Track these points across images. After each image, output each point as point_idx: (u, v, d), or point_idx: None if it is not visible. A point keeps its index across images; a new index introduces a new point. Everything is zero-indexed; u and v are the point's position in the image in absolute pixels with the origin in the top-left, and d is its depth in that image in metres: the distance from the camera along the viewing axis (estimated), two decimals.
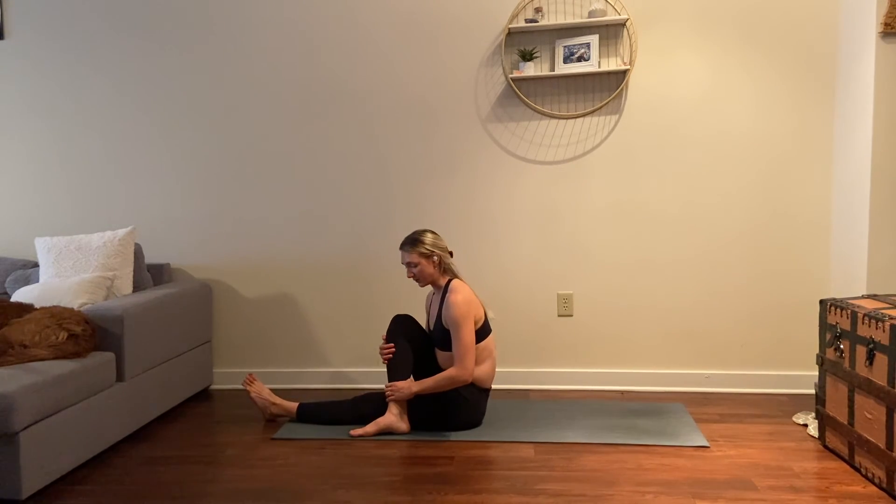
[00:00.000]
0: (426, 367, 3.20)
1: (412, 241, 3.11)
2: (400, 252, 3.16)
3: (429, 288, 3.37)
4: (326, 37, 3.75)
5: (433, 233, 3.17)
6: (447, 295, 3.06)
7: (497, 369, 3.68)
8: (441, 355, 3.16)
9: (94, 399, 2.83)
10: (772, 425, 3.11)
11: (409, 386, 3.05)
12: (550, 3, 3.59)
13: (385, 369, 3.18)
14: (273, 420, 3.30)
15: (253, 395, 3.29)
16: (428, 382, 3.03)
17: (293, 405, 3.25)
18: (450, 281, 3.13)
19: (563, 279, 3.70)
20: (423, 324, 3.34)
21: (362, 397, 3.22)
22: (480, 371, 3.09)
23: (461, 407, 3.07)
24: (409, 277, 3.17)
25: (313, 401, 3.29)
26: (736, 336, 3.61)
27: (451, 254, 3.20)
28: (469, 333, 3.00)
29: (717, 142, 3.55)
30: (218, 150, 3.87)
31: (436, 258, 3.10)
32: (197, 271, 3.93)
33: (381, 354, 3.14)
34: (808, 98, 3.48)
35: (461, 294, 3.03)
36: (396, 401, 3.06)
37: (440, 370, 3.13)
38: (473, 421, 3.12)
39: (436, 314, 3.14)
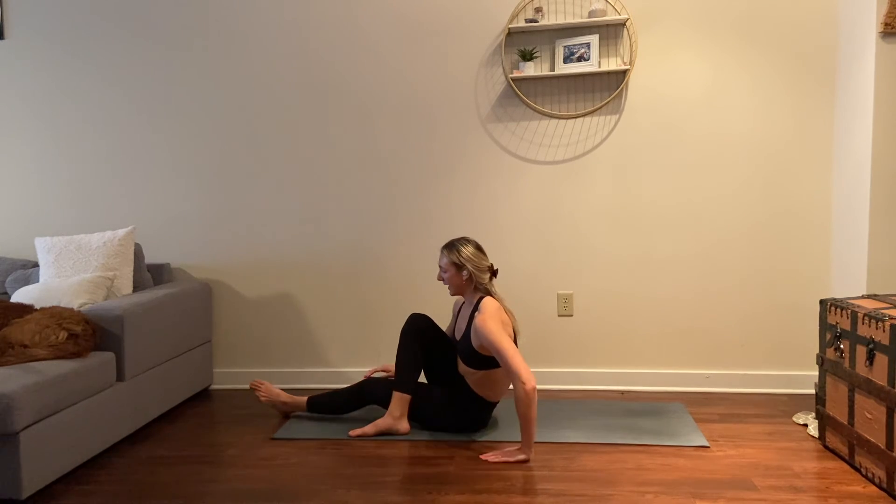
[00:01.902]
0: (442, 369, 3.12)
1: (449, 246, 3.02)
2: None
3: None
4: (326, 36, 3.75)
5: (477, 247, 3.03)
6: (476, 315, 2.92)
7: None
8: (467, 372, 3.03)
9: (94, 399, 2.83)
10: (772, 425, 3.11)
11: (522, 455, 2.77)
12: (550, 3, 3.59)
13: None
14: (288, 417, 3.33)
15: (263, 399, 3.30)
16: (523, 431, 2.76)
17: (302, 399, 3.27)
18: (481, 298, 2.98)
19: (563, 279, 3.70)
20: (446, 326, 3.30)
21: (367, 382, 3.18)
22: (497, 390, 3.02)
23: (466, 415, 3.05)
24: (438, 280, 3.09)
25: (320, 393, 3.31)
26: (736, 336, 3.61)
27: (494, 272, 3.04)
28: (509, 346, 2.78)
29: (717, 142, 3.55)
30: (218, 150, 3.87)
31: (465, 273, 2.98)
32: (197, 271, 3.93)
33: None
34: (808, 98, 3.48)
35: (488, 314, 2.87)
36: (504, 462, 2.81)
37: (457, 373, 3.07)
38: (476, 427, 3.10)
39: (464, 328, 3.03)
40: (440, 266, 3.06)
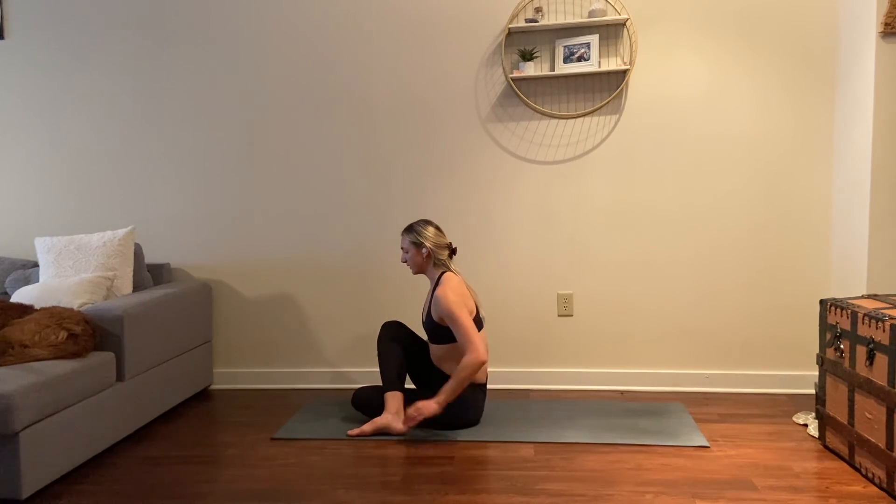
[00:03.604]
0: (422, 369, 3.23)
1: (409, 228, 3.18)
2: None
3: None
4: (327, 36, 3.75)
5: (435, 227, 3.17)
6: (436, 288, 3.07)
7: (497, 369, 3.69)
8: (434, 349, 3.16)
9: (94, 399, 2.83)
10: (772, 425, 3.11)
11: (434, 403, 2.90)
12: (550, 3, 3.59)
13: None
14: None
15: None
16: (448, 385, 2.91)
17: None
18: (442, 274, 3.13)
19: (563, 279, 3.70)
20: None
21: (359, 392, 3.24)
22: None
23: (458, 406, 3.06)
24: (401, 262, 3.27)
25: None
26: (736, 336, 3.61)
27: (453, 250, 3.20)
28: (466, 318, 2.96)
29: (717, 142, 3.55)
30: (218, 150, 3.87)
31: (425, 251, 3.12)
32: (197, 271, 3.93)
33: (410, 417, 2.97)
34: (808, 98, 3.48)
35: (448, 286, 3.03)
36: (420, 421, 2.93)
37: (435, 368, 3.16)
38: (471, 419, 3.12)
39: (426, 306, 3.16)
40: (402, 248, 3.20)
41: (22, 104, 3.96)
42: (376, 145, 3.77)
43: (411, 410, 2.94)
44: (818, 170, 3.50)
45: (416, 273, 3.21)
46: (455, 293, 3.01)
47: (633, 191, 3.62)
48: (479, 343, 2.93)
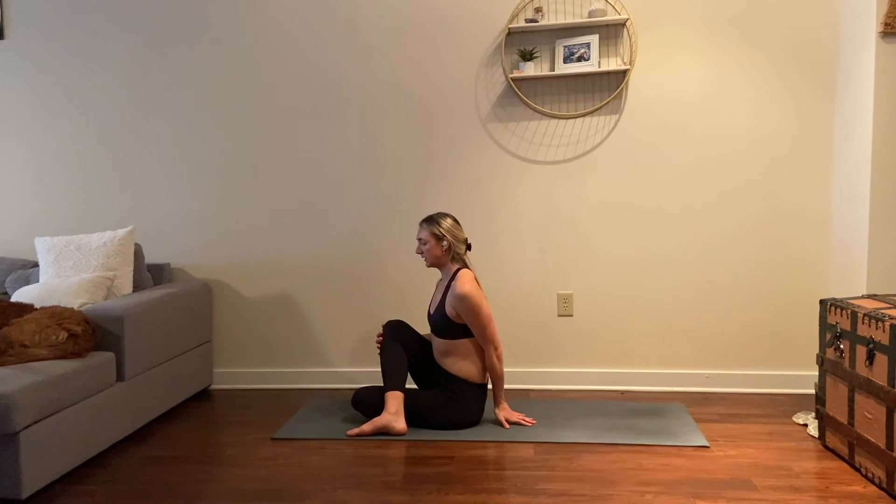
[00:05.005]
0: (422, 369, 3.22)
1: (429, 220, 3.16)
2: (418, 227, 3.23)
3: (439, 274, 3.41)
4: (327, 36, 3.75)
5: (454, 220, 3.17)
6: (454, 283, 3.06)
7: None
8: (438, 343, 3.15)
9: (94, 399, 2.83)
10: (772, 425, 3.11)
11: (504, 410, 3.18)
12: (550, 3, 3.59)
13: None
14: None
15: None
16: (497, 391, 3.17)
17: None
18: (458, 270, 3.13)
19: (563, 279, 3.70)
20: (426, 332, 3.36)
21: (359, 392, 3.23)
22: (473, 366, 3.10)
23: (459, 406, 3.08)
24: (417, 253, 3.22)
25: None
26: (736, 336, 3.61)
27: (468, 246, 3.20)
28: (489, 316, 3.06)
29: (717, 142, 3.55)
30: (218, 150, 3.87)
31: (445, 243, 3.11)
32: (197, 271, 3.93)
33: (377, 345, 3.20)
34: (808, 98, 3.48)
35: (468, 283, 3.04)
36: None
37: (437, 366, 3.15)
38: (472, 420, 3.12)
39: (439, 299, 3.15)
40: (419, 239, 3.18)
41: (22, 104, 3.96)
42: (376, 145, 3.77)
43: (514, 421, 3.16)
44: (818, 170, 3.50)
45: (430, 265, 3.19)
46: (476, 290, 3.05)
47: (633, 191, 3.62)
48: (498, 341, 3.10)
